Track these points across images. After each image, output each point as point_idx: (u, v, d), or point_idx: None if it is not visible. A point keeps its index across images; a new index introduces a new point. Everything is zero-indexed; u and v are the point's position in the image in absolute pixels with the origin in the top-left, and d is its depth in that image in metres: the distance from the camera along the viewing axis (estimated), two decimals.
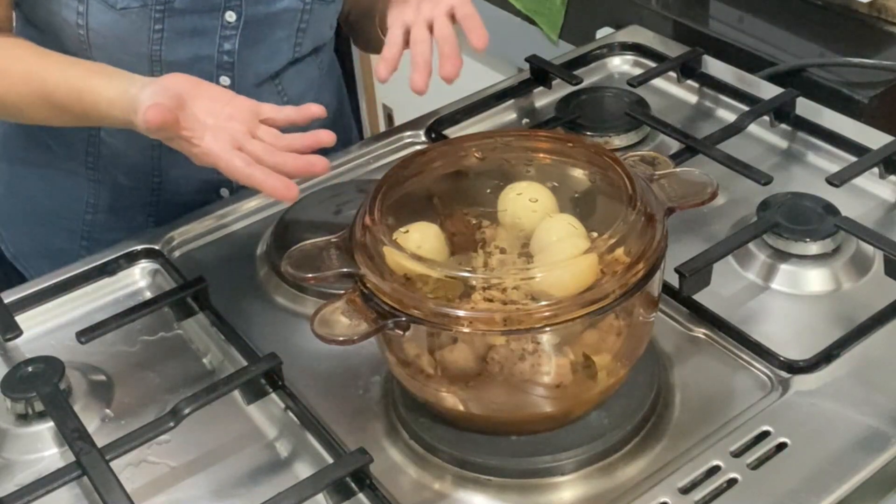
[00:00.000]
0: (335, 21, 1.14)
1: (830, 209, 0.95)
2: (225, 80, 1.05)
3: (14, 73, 0.94)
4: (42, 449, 0.83)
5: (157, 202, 1.13)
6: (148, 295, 0.98)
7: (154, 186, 1.12)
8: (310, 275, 0.75)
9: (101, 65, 0.95)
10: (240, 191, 1.12)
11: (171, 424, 0.79)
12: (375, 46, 1.11)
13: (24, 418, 0.84)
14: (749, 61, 1.21)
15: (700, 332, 0.87)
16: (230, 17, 1.02)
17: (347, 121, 1.28)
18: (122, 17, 0.98)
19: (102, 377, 0.89)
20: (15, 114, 0.99)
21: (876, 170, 1.01)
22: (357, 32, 1.21)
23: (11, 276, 1.19)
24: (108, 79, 0.91)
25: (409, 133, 1.15)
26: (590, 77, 1.23)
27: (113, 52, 0.99)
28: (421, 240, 0.76)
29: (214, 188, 1.13)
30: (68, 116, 0.95)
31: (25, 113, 0.97)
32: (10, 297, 0.95)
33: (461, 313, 0.70)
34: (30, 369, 0.85)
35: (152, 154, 1.09)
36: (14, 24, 1.03)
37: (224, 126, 0.85)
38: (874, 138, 1.04)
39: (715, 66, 1.20)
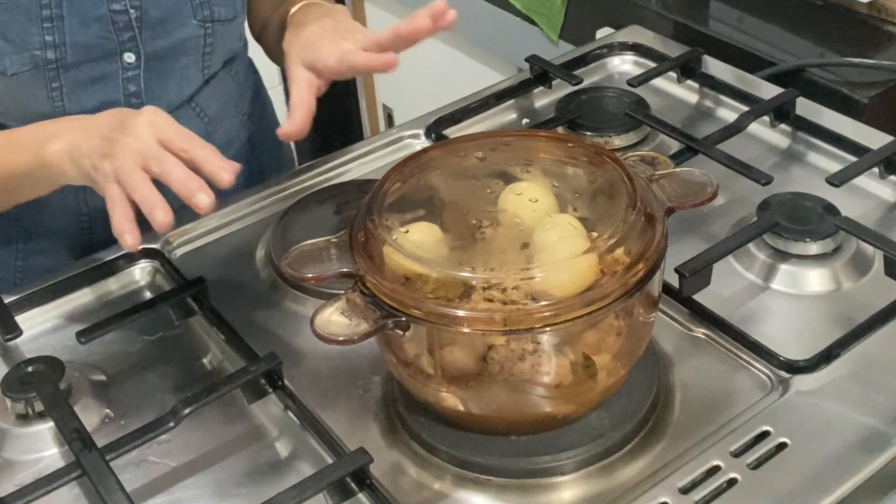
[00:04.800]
0: (243, 32, 1.11)
1: (830, 209, 0.95)
2: None
3: None
4: (42, 449, 0.83)
5: (88, 240, 1.09)
6: (148, 295, 0.98)
7: (80, 225, 1.08)
8: (310, 275, 0.75)
9: (3, 135, 0.92)
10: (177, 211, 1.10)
11: (171, 424, 0.79)
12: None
13: (24, 418, 0.84)
14: (749, 61, 1.21)
15: (700, 332, 0.87)
16: (129, 58, 0.99)
17: (272, 120, 1.25)
18: (14, 83, 0.95)
19: (102, 377, 0.89)
20: None
21: (876, 170, 1.01)
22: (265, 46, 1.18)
23: None
24: (14, 153, 0.89)
25: (409, 133, 1.15)
26: (590, 77, 1.23)
27: (15, 114, 0.96)
28: (421, 240, 0.76)
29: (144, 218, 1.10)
30: (8, 196, 0.95)
31: None
32: (10, 297, 0.95)
33: (461, 313, 0.70)
34: (30, 369, 0.85)
35: (74, 192, 1.04)
36: None
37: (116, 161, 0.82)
38: (874, 138, 1.04)
39: (715, 66, 1.20)
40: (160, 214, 0.79)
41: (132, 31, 0.99)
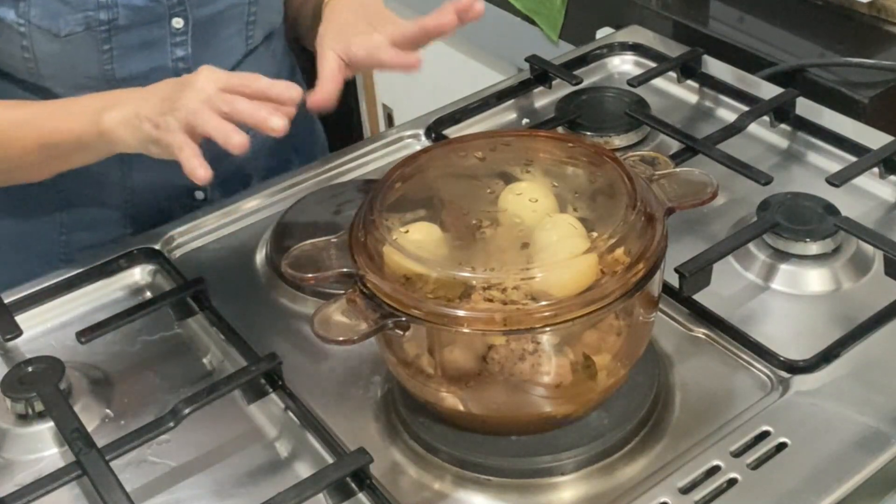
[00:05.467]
0: (282, 7, 1.13)
1: (830, 209, 0.95)
2: None
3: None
4: (42, 449, 0.83)
5: (133, 215, 1.11)
6: (148, 295, 0.98)
7: (126, 198, 1.10)
8: (310, 275, 0.75)
9: (60, 102, 0.95)
10: (214, 190, 1.12)
11: (171, 424, 0.79)
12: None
13: (24, 418, 0.84)
14: (749, 61, 1.21)
15: (700, 332, 0.87)
16: (177, 23, 1.01)
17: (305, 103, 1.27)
18: (67, 44, 0.97)
19: (102, 377, 0.89)
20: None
21: (876, 170, 1.01)
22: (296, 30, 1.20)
23: None
24: (69, 121, 0.92)
25: (409, 133, 1.15)
26: (590, 77, 1.23)
27: (65, 79, 0.98)
28: (421, 240, 0.76)
29: (188, 192, 1.12)
30: (56, 163, 0.97)
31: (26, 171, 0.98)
32: (9, 297, 0.95)
33: (461, 313, 0.70)
34: (30, 369, 0.85)
35: (120, 167, 1.07)
36: None
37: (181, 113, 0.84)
38: (874, 138, 1.04)
39: (715, 66, 1.20)
40: (237, 138, 0.81)
41: None
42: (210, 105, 0.83)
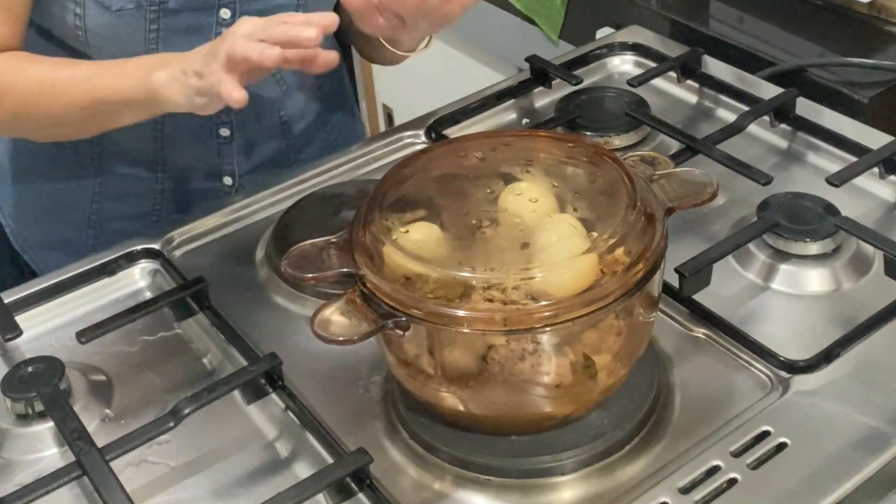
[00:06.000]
0: (333, 5, 1.12)
1: (830, 209, 0.95)
2: None
3: (59, 83, 0.96)
4: (42, 449, 0.83)
5: (161, 190, 1.13)
6: (148, 295, 0.98)
7: (158, 174, 1.12)
8: (310, 275, 0.75)
9: (110, 62, 0.96)
10: (243, 177, 1.13)
11: (171, 424, 0.79)
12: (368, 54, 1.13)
13: (24, 418, 0.84)
14: (749, 61, 1.21)
15: (700, 332, 0.87)
16: (225, 14, 1.03)
17: (348, 95, 1.28)
18: (118, 19, 0.99)
19: (102, 377, 0.89)
20: (62, 128, 1.01)
21: (876, 170, 1.01)
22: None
23: (18, 276, 1.19)
24: (120, 79, 0.93)
25: (409, 133, 1.15)
26: (590, 77, 1.23)
27: (111, 53, 0.99)
28: (421, 240, 0.76)
29: (217, 175, 1.14)
30: (104, 120, 0.98)
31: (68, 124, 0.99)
32: (10, 297, 0.95)
33: (461, 313, 0.70)
34: (30, 369, 0.85)
35: (154, 144, 1.10)
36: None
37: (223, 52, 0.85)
38: (874, 138, 1.04)
39: (715, 66, 1.20)
40: (270, 51, 0.82)
41: None
42: (249, 38, 0.84)
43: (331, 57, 0.85)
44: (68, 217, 1.15)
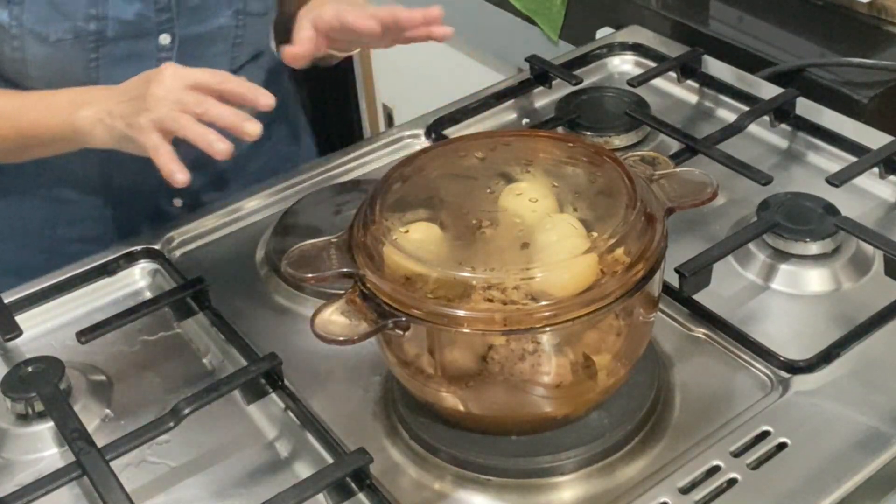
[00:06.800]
0: (270, 30, 1.14)
1: (830, 209, 0.95)
2: None
3: None
4: (42, 449, 0.83)
5: (112, 215, 1.13)
6: (148, 295, 0.98)
7: (106, 199, 1.12)
8: (310, 275, 0.75)
9: (37, 95, 0.97)
10: (193, 196, 1.13)
11: (171, 424, 0.79)
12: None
13: (24, 418, 0.84)
14: (749, 61, 1.21)
15: (700, 332, 0.87)
16: (164, 39, 1.03)
17: (292, 112, 1.28)
18: (56, 50, 0.99)
19: (102, 377, 0.89)
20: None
21: (876, 170, 1.01)
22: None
23: None
24: (47, 115, 0.94)
25: (409, 133, 1.15)
26: (590, 77, 1.23)
27: (51, 82, 1.00)
28: (421, 240, 0.76)
29: (167, 197, 1.13)
30: (35, 151, 1.00)
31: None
32: (10, 297, 0.95)
33: (461, 313, 0.70)
34: (30, 369, 0.85)
35: (100, 167, 1.09)
36: None
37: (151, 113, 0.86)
38: (874, 138, 1.04)
39: (715, 66, 1.20)
40: (220, 145, 0.83)
41: (170, 13, 1.02)
42: (182, 106, 0.84)
43: (257, 132, 0.84)
44: (23, 243, 1.14)
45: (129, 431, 0.79)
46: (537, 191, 0.80)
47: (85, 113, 0.91)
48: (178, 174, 0.84)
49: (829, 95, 1.14)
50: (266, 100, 0.86)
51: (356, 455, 0.76)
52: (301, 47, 0.97)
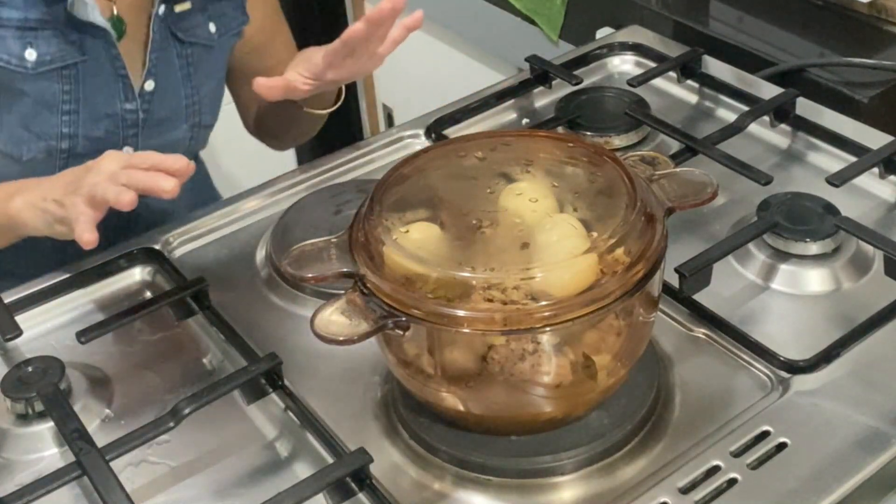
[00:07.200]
0: (207, 139, 1.21)
1: (830, 209, 0.95)
2: None
3: None
4: (42, 449, 0.83)
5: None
6: (148, 295, 0.98)
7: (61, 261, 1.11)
8: (310, 275, 0.75)
9: None
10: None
11: (171, 424, 0.79)
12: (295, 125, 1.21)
13: (24, 418, 0.84)
14: (749, 61, 1.21)
15: (700, 332, 0.87)
16: (127, 151, 1.07)
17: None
18: (26, 166, 1.03)
19: (102, 377, 0.89)
20: None
21: (876, 170, 1.01)
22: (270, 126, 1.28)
23: None
24: None
25: (409, 133, 1.15)
26: (590, 77, 1.23)
27: None
28: (421, 240, 0.76)
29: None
30: None
31: None
32: (10, 297, 0.95)
33: (461, 313, 0.70)
34: (30, 369, 0.85)
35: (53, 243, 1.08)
36: None
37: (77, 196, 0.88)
38: (874, 138, 1.04)
39: (715, 66, 1.20)
40: (126, 196, 0.85)
41: (136, 128, 1.09)
42: (112, 180, 0.87)
43: (171, 187, 0.86)
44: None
45: (129, 431, 0.79)
46: (537, 191, 0.80)
47: (17, 201, 0.93)
48: (87, 234, 0.86)
49: (829, 95, 1.14)
50: (183, 163, 0.88)
51: (356, 455, 0.76)
52: (274, 80, 0.99)
